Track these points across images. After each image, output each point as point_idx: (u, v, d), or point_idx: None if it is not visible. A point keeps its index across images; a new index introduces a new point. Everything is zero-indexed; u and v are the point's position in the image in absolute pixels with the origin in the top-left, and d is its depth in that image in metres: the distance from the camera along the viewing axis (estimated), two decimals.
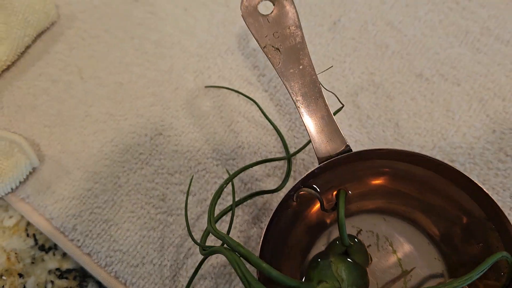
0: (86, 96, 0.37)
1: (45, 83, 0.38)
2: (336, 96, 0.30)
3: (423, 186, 0.29)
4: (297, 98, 0.29)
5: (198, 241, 0.32)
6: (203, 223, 0.33)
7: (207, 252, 0.25)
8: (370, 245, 0.30)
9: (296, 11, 0.29)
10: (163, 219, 0.33)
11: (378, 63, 0.37)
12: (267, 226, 0.26)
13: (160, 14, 0.40)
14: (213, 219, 0.26)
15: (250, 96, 0.36)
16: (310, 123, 0.28)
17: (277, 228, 0.28)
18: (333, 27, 0.39)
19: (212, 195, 0.33)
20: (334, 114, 0.30)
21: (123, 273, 0.32)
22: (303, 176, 0.27)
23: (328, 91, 0.31)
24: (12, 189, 0.34)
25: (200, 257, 0.32)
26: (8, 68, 0.38)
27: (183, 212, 0.33)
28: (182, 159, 0.34)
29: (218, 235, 0.25)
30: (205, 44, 0.39)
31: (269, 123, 0.35)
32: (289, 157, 0.33)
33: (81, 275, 0.33)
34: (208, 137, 0.35)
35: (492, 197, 0.26)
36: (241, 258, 0.23)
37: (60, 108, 0.37)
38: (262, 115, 0.35)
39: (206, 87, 0.37)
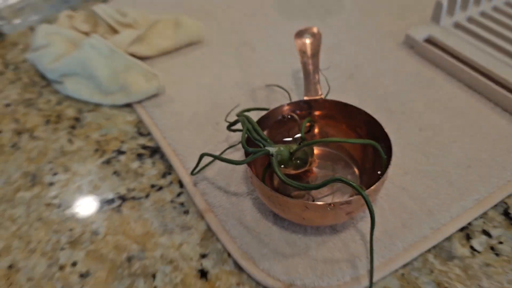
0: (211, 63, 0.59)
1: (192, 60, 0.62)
2: (326, 79, 0.48)
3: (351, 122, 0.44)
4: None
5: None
6: None
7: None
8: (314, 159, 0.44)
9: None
10: None
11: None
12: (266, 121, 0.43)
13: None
14: None
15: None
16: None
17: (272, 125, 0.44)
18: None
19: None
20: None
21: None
22: (291, 102, 0.44)
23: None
24: (140, 100, 0.56)
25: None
26: (168, 53, 0.63)
27: None
28: None
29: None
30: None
31: None
32: None
33: (155, 151, 0.51)
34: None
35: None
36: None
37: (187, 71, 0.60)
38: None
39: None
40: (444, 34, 0.58)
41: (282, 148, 0.41)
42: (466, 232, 0.42)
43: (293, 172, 0.42)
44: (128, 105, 0.57)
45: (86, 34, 0.61)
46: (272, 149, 0.40)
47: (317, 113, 0.45)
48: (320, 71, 0.50)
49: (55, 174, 0.50)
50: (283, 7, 0.70)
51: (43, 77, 0.62)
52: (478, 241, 0.41)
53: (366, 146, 0.44)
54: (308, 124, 0.45)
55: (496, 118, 0.50)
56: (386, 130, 0.42)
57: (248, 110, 0.47)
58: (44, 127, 0.56)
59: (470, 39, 0.57)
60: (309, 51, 0.49)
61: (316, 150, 0.46)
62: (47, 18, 0.73)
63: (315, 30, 0.51)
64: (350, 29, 0.64)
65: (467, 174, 0.45)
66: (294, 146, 0.41)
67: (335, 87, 0.55)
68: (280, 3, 0.71)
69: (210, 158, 0.48)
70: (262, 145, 0.41)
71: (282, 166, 0.42)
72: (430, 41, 0.59)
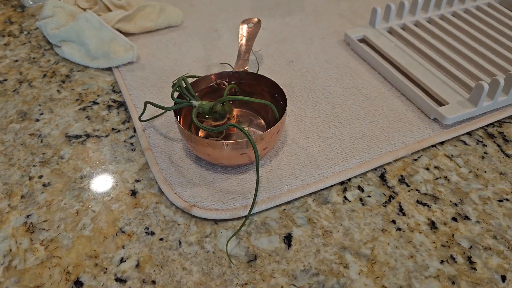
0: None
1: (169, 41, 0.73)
2: (255, 55, 0.59)
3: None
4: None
5: None
6: None
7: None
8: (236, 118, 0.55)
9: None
10: None
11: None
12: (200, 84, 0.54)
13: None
14: None
15: None
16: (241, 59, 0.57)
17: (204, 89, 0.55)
18: None
19: None
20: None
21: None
22: (221, 72, 0.55)
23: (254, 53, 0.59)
24: (118, 65, 0.68)
25: None
26: (149, 32, 0.75)
27: None
28: None
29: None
30: None
31: None
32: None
33: (122, 105, 0.63)
34: None
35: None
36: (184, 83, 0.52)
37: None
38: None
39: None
40: (375, 35, 0.68)
41: (204, 103, 0.52)
42: (344, 186, 0.52)
43: (213, 123, 0.53)
44: (109, 69, 0.69)
45: (84, 10, 0.73)
46: (195, 103, 0.51)
47: (242, 81, 0.56)
48: (252, 52, 0.61)
49: (41, 114, 0.63)
50: (254, 6, 0.81)
51: (48, 42, 0.75)
52: (351, 194, 0.51)
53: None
54: (233, 89, 0.56)
55: (398, 104, 0.60)
56: (294, 93, 0.52)
57: (190, 76, 0.58)
58: (41, 79, 0.68)
59: (398, 42, 0.66)
60: (245, 35, 0.60)
61: (236, 111, 0.56)
62: None
63: (255, 20, 0.61)
64: (303, 26, 0.75)
65: (357, 143, 0.55)
66: (216, 103, 0.52)
67: (274, 69, 0.66)
68: (253, 3, 0.82)
69: (160, 112, 0.60)
70: (189, 99, 0.52)
71: (206, 117, 0.52)
72: (364, 40, 0.69)
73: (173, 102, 0.61)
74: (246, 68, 0.57)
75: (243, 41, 0.59)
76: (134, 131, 0.59)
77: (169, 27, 0.76)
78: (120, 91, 0.65)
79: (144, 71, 0.67)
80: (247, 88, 0.56)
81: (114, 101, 0.64)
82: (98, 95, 0.65)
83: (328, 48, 0.70)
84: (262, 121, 0.55)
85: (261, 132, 0.54)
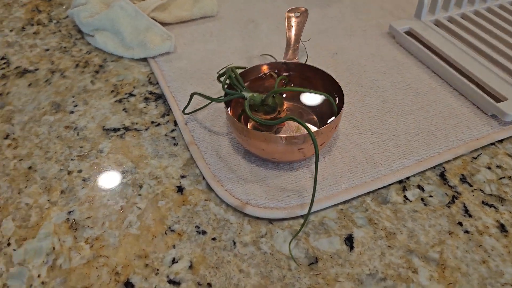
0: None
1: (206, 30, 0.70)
2: (305, 46, 0.55)
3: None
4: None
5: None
6: None
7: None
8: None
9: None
10: None
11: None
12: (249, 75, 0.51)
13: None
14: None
15: None
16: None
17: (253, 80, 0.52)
18: None
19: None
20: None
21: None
22: (270, 62, 0.52)
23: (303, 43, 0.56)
24: (154, 56, 0.65)
25: None
26: (184, 22, 0.72)
27: None
28: None
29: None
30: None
31: None
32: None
33: (161, 97, 0.60)
34: None
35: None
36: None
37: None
38: None
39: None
40: (422, 28, 0.64)
41: (255, 95, 0.48)
42: (403, 185, 0.49)
43: (264, 116, 0.50)
44: (144, 59, 0.66)
45: None
46: (247, 94, 0.48)
47: (292, 73, 0.53)
48: (301, 41, 0.57)
49: (76, 105, 0.59)
50: None
51: (79, 31, 0.72)
52: (412, 193, 0.48)
53: (327, 106, 0.51)
54: (283, 80, 0.53)
55: (452, 99, 0.56)
56: (342, 87, 0.49)
57: (236, 67, 0.55)
58: (74, 69, 0.65)
59: (446, 35, 0.63)
60: (294, 24, 0.56)
61: (287, 105, 0.53)
62: None
63: (302, 9, 0.58)
64: (343, 18, 0.71)
65: (413, 140, 0.52)
66: (267, 96, 0.49)
67: (318, 61, 0.62)
68: None
69: (203, 104, 0.56)
70: (239, 91, 0.49)
71: (256, 110, 0.49)
72: (410, 33, 0.65)
73: (217, 94, 0.58)
74: (296, 59, 0.53)
75: (292, 31, 0.56)
76: (175, 124, 0.56)
77: (204, 17, 0.72)
78: (157, 83, 0.62)
79: (182, 62, 0.64)
80: (297, 80, 0.53)
81: (151, 93, 0.61)
82: (134, 87, 0.62)
83: (371, 40, 0.66)
84: (314, 116, 0.52)
85: (315, 128, 0.51)
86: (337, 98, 0.49)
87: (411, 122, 0.54)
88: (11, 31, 0.73)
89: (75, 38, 0.71)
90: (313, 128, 0.50)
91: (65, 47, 0.69)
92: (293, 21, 0.57)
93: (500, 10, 0.68)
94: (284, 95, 0.54)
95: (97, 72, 0.64)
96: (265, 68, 0.52)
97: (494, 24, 0.65)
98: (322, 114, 0.52)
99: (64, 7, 0.78)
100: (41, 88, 0.62)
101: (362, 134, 0.52)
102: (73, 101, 0.60)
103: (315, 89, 0.51)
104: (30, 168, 0.51)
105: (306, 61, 0.56)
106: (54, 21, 0.75)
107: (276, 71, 0.53)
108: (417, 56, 0.63)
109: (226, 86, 0.48)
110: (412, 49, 0.63)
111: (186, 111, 0.55)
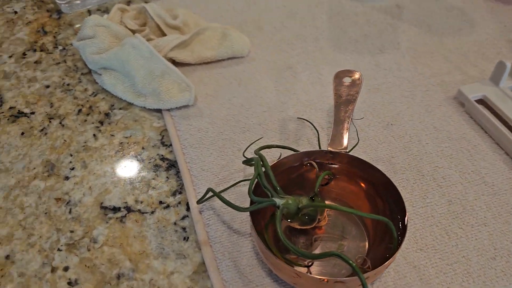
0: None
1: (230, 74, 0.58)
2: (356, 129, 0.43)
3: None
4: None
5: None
6: None
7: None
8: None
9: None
10: None
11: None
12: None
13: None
14: None
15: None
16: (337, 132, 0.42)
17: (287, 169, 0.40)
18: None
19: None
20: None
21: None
22: (311, 150, 0.40)
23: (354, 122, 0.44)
24: (170, 108, 0.53)
25: None
26: (209, 63, 0.60)
27: None
28: None
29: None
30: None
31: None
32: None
33: (172, 164, 0.49)
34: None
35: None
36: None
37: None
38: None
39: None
40: (500, 97, 0.51)
41: (290, 201, 0.37)
42: None
43: (298, 227, 0.38)
44: (159, 110, 0.55)
45: (133, 31, 0.59)
46: (279, 201, 0.37)
47: (337, 166, 0.41)
48: (351, 121, 0.45)
49: (72, 168, 0.49)
50: (336, 35, 0.64)
51: (86, 64, 0.61)
52: None
53: (381, 213, 0.39)
54: (326, 176, 0.41)
55: None
56: (405, 201, 0.37)
57: (269, 147, 0.43)
58: (75, 116, 0.54)
59: None
60: (345, 96, 0.44)
61: (327, 210, 0.41)
62: (105, 3, 0.71)
63: (357, 75, 0.46)
64: (400, 71, 0.58)
65: (490, 267, 0.39)
66: (304, 200, 0.37)
67: (368, 134, 0.50)
68: (334, 30, 0.65)
69: (224, 187, 0.45)
70: (270, 195, 0.37)
71: (289, 220, 0.38)
72: (483, 102, 0.52)
73: (241, 171, 0.46)
74: (345, 147, 0.41)
75: (342, 105, 0.44)
76: (188, 208, 0.45)
77: (233, 58, 0.60)
78: (171, 144, 0.51)
79: (202, 120, 0.52)
80: (344, 176, 0.41)
81: (163, 158, 0.50)
82: (143, 147, 0.51)
83: (434, 106, 0.54)
84: (361, 224, 0.40)
85: (358, 240, 0.39)
86: (398, 216, 0.37)
87: (486, 238, 0.41)
88: (10, 57, 0.62)
89: (81, 73, 0.60)
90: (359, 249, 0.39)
91: (68, 84, 0.58)
92: (343, 92, 0.45)
93: None
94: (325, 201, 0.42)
95: (101, 123, 0.54)
96: (302, 157, 0.41)
97: None
98: (370, 222, 0.40)
99: (74, 28, 0.67)
100: (35, 140, 0.52)
101: (422, 251, 0.40)
102: (70, 162, 0.49)
103: (366, 192, 0.40)
104: (7, 257, 0.41)
105: (355, 146, 0.44)
106: (60, 47, 0.64)
107: (318, 161, 0.41)
108: (493, 136, 0.50)
109: (252, 189, 0.37)
110: (488, 126, 0.50)
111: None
